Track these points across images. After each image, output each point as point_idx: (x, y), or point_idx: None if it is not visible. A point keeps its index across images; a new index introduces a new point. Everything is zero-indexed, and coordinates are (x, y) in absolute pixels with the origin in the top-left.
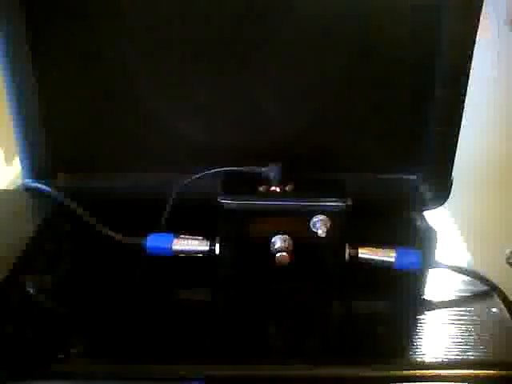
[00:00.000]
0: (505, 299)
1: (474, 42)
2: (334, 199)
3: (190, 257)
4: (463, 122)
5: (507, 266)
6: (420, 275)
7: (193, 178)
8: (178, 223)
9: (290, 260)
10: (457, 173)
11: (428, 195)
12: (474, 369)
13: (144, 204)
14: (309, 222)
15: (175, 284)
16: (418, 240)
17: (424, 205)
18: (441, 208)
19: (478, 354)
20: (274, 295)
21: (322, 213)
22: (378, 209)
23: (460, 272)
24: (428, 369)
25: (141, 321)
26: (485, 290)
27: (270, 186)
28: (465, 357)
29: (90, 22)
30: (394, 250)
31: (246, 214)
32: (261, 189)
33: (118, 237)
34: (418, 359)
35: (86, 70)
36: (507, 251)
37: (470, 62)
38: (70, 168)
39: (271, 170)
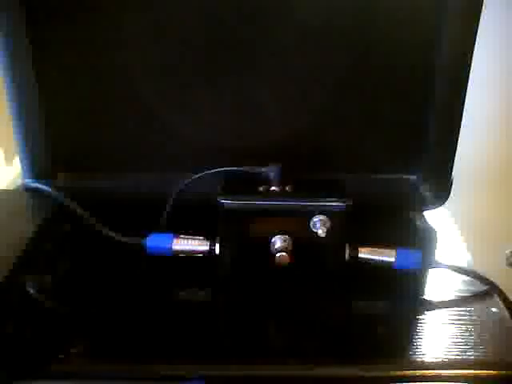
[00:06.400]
0: (505, 299)
1: (474, 42)
2: (333, 199)
3: (190, 257)
4: (463, 122)
5: (507, 266)
6: (420, 275)
7: (193, 177)
8: (178, 223)
9: (290, 260)
10: (457, 173)
11: (428, 195)
12: (474, 369)
13: (144, 204)
14: (309, 222)
15: (175, 284)
16: (417, 240)
17: (424, 205)
18: (441, 208)
19: (477, 354)
20: (274, 295)
21: (321, 213)
22: (378, 209)
23: (460, 272)
24: (428, 369)
25: (141, 321)
26: (485, 290)
27: (270, 186)
28: (465, 357)
29: (90, 22)
30: (394, 250)
31: (246, 214)
32: (261, 189)
33: (118, 237)
34: (418, 359)
35: (86, 70)
36: (507, 252)
37: (470, 62)
38: (70, 168)
39: (271, 170)
